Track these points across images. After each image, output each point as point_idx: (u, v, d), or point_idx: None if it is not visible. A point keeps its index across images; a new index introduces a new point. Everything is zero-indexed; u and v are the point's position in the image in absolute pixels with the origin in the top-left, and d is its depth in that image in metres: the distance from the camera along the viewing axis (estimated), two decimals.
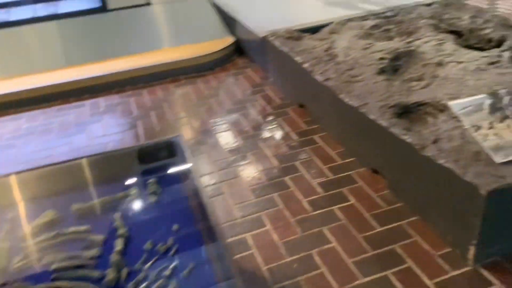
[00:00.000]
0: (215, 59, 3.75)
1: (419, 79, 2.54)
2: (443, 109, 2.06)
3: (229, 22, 4.02)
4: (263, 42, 3.35)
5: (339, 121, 2.52)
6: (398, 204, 2.01)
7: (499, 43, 2.83)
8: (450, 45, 2.77)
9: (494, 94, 1.90)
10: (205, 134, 2.77)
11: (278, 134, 2.69)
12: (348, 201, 2.07)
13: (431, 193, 1.83)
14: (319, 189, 2.16)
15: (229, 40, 3.90)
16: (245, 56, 3.90)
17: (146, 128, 2.88)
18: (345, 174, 2.26)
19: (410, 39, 2.96)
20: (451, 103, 1.88)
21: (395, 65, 2.71)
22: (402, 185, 2.04)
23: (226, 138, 2.69)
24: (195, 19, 3.98)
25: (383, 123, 2.07)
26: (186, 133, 2.79)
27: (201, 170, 2.39)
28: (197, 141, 2.69)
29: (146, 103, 3.22)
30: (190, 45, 3.83)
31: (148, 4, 3.87)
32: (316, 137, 2.62)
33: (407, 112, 2.20)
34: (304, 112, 2.90)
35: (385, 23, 3.28)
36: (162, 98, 3.28)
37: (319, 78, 2.61)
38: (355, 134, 2.38)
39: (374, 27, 3.25)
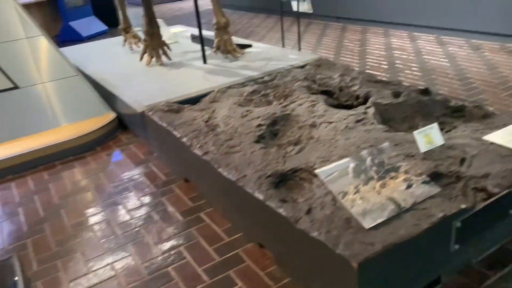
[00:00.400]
0: (96, 138, 3.52)
1: (296, 143, 2.58)
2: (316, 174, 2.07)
3: (108, 97, 3.86)
4: (143, 117, 3.23)
5: (223, 196, 2.43)
6: (286, 280, 1.92)
7: (365, 99, 3.01)
8: (321, 105, 2.88)
9: (357, 157, 1.95)
10: (79, 228, 2.50)
11: (162, 217, 2.51)
12: (236, 285, 1.93)
13: (312, 266, 1.77)
14: (205, 277, 2.00)
15: (110, 116, 3.72)
16: (128, 131, 3.73)
17: (11, 231, 2.53)
18: (232, 253, 2.14)
19: (286, 103, 3.04)
20: (318, 171, 1.88)
21: (273, 130, 2.74)
22: (287, 259, 1.97)
23: (104, 230, 2.45)
24: (71, 97, 3.75)
25: (260, 196, 2.00)
26: (57, 230, 2.48)
27: (71, 274, 2.11)
28: (68, 237, 2.41)
29: (14, 199, 2.87)
30: (66, 126, 3.57)
31: (16, 87, 3.58)
32: (202, 215, 2.49)
33: (285, 180, 2.17)
34: (190, 187, 2.77)
35: (263, 88, 3.36)
36: (33, 190, 2.95)
37: (198, 152, 2.52)
38: (239, 208, 2.30)
39: (253, 92, 3.31)
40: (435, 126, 2.17)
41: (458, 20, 5.35)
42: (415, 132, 2.13)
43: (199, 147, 2.56)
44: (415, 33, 5.89)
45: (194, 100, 3.34)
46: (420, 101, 2.81)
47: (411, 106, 2.78)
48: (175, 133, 2.77)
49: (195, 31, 5.02)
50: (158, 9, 11.56)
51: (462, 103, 2.75)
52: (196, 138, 2.66)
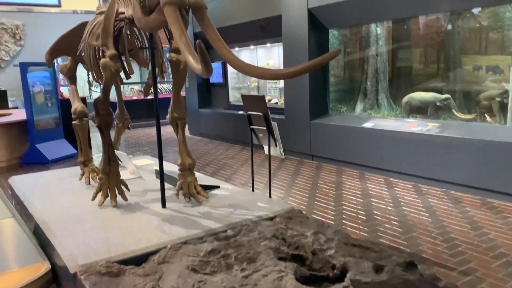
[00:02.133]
0: None
1: None
2: None
3: (46, 244, 3.30)
4: (75, 280, 2.65)
5: None
6: None
7: (342, 271, 2.56)
8: (291, 279, 2.40)
9: None
10: None
11: None
12: None
13: None
14: None
15: (42, 269, 3.10)
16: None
17: None
18: None
19: (248, 271, 2.56)
20: None
21: None
22: None
23: None
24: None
25: None
26: None
27: None
28: None
29: None
30: None
31: None
32: None
33: None
34: None
35: (223, 247, 2.89)
36: None
37: None
38: None
39: (212, 252, 2.83)
40: None
41: (436, 170, 5.22)
42: None
43: None
44: (392, 179, 5.72)
45: (141, 258, 2.82)
46: (406, 280, 2.37)
47: (396, 287, 2.33)
48: None
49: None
50: (134, 133, 11.54)
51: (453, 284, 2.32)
52: None
